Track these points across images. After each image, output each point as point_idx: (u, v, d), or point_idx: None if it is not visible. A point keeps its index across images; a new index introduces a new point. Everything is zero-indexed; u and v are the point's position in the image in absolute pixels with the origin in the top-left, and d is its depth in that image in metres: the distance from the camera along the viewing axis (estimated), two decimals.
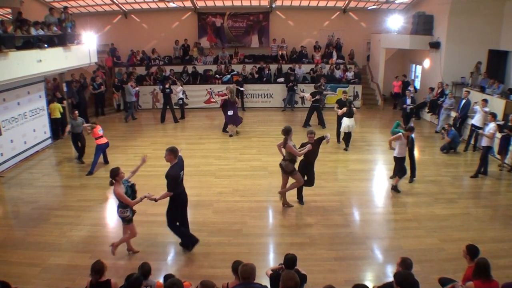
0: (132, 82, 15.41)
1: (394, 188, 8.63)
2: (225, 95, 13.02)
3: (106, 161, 10.48)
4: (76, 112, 10.74)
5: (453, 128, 11.62)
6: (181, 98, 15.20)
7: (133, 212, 6.15)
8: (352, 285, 3.77)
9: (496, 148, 10.24)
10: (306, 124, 13.83)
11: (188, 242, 6.46)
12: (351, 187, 9.09)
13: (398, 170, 8.64)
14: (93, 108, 15.86)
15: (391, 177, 9.20)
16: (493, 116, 9.73)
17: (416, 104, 12.80)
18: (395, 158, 8.62)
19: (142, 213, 7.44)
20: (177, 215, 6.34)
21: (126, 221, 6.13)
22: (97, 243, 6.74)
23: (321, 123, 13.88)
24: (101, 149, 10.16)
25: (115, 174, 5.89)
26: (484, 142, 9.59)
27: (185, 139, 12.87)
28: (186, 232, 6.48)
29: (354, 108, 11.30)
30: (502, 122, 10.36)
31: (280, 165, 7.71)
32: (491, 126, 9.48)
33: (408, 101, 12.98)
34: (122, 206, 6.02)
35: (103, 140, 10.09)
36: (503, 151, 10.12)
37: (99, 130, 10.02)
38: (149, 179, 9.33)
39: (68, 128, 10.80)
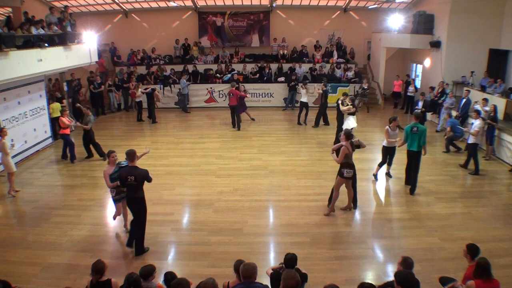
0: (185, 76, 16.22)
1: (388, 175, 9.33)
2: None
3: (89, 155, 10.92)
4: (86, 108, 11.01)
5: (452, 117, 11.74)
6: (140, 101, 15.19)
7: (119, 193, 6.68)
8: (352, 284, 3.78)
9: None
10: (317, 123, 14.13)
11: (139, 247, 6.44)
12: None
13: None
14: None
15: (386, 173, 9.50)
16: (478, 113, 9.93)
17: (427, 108, 12.55)
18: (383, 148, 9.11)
19: None
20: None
21: (113, 200, 6.82)
22: (98, 242, 6.74)
23: (326, 121, 14.21)
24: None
25: (107, 155, 6.80)
26: (470, 140, 9.75)
27: (186, 138, 12.87)
28: (132, 237, 6.53)
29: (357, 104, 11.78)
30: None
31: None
32: (476, 124, 9.62)
33: (420, 104, 12.65)
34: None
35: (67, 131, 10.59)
36: (488, 141, 10.65)
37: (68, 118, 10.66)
38: None
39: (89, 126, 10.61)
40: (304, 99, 14.12)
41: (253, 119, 14.84)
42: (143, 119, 15.11)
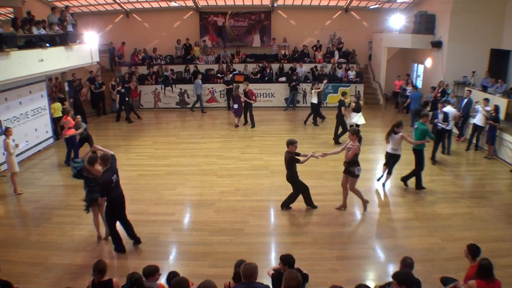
0: (200, 77, 16.12)
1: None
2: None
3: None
4: (79, 117, 10.47)
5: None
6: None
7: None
8: (354, 285, 3.77)
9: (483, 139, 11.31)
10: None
11: (119, 247, 6.40)
12: None
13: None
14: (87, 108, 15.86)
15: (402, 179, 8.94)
16: (448, 103, 10.99)
17: (449, 122, 10.47)
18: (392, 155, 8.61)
19: (144, 212, 7.48)
20: (114, 218, 6.34)
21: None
22: (99, 242, 6.74)
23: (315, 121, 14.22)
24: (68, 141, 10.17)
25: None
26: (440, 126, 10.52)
27: (187, 138, 12.87)
28: (130, 232, 6.51)
29: (361, 103, 11.77)
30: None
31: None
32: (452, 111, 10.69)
33: (440, 116, 10.50)
34: None
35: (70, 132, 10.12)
36: (489, 141, 10.75)
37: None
38: (151, 178, 9.38)
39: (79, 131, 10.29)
40: (314, 100, 13.87)
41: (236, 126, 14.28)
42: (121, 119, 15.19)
